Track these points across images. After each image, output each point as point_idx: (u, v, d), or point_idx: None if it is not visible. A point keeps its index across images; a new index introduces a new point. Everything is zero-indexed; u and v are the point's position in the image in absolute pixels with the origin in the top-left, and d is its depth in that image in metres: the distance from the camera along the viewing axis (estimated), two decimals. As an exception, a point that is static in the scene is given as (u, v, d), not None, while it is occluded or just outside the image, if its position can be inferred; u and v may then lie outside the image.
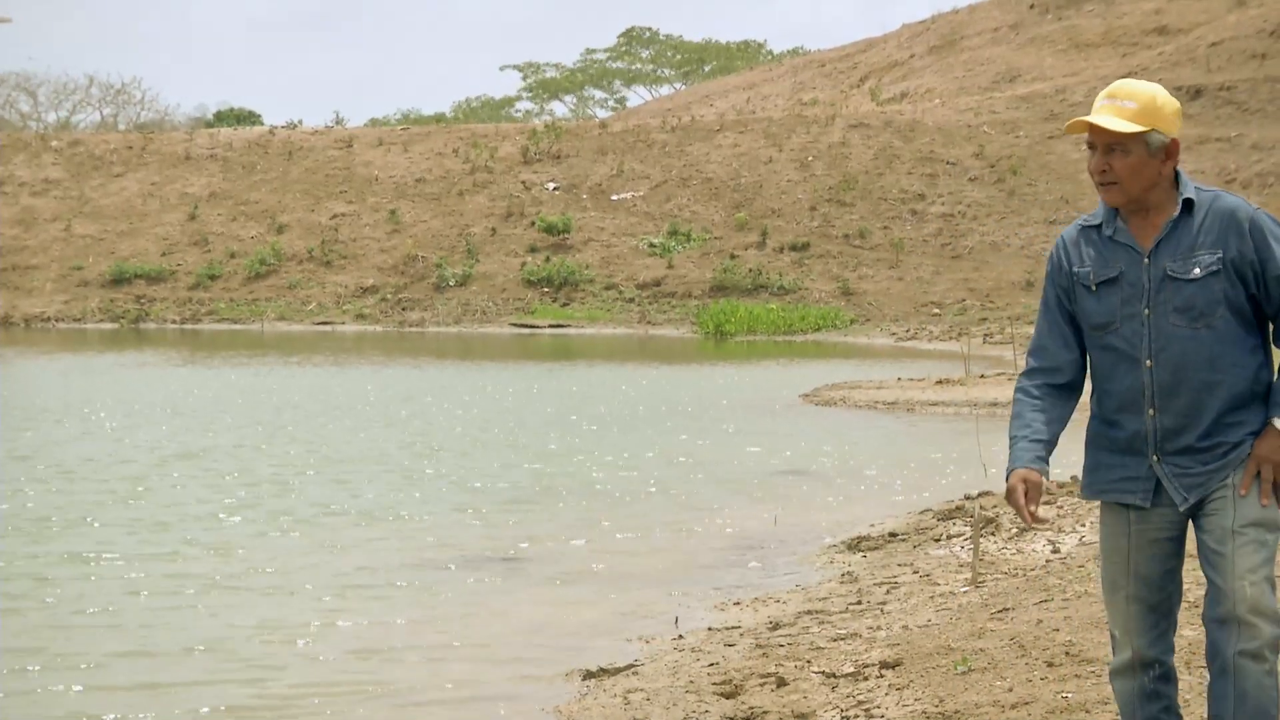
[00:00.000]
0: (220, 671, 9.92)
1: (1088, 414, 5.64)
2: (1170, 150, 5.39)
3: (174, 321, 60.93)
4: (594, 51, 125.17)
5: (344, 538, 14.76)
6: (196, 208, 68.78)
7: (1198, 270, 5.29)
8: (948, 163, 66.20)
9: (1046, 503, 15.50)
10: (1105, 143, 5.39)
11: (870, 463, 20.49)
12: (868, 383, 32.29)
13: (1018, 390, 5.67)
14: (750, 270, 59.75)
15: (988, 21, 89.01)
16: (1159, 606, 5.49)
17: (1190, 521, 5.45)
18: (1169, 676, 5.55)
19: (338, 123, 79.95)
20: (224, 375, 35.75)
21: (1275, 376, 5.42)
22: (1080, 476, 5.66)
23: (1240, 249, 5.29)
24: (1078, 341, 5.57)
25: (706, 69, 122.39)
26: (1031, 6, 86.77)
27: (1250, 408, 5.36)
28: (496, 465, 20.17)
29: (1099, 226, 5.53)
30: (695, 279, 60.15)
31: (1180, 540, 5.48)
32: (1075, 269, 5.51)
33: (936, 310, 56.21)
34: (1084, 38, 79.75)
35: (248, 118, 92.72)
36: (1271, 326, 5.44)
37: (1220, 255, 5.28)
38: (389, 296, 61.76)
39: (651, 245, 62.79)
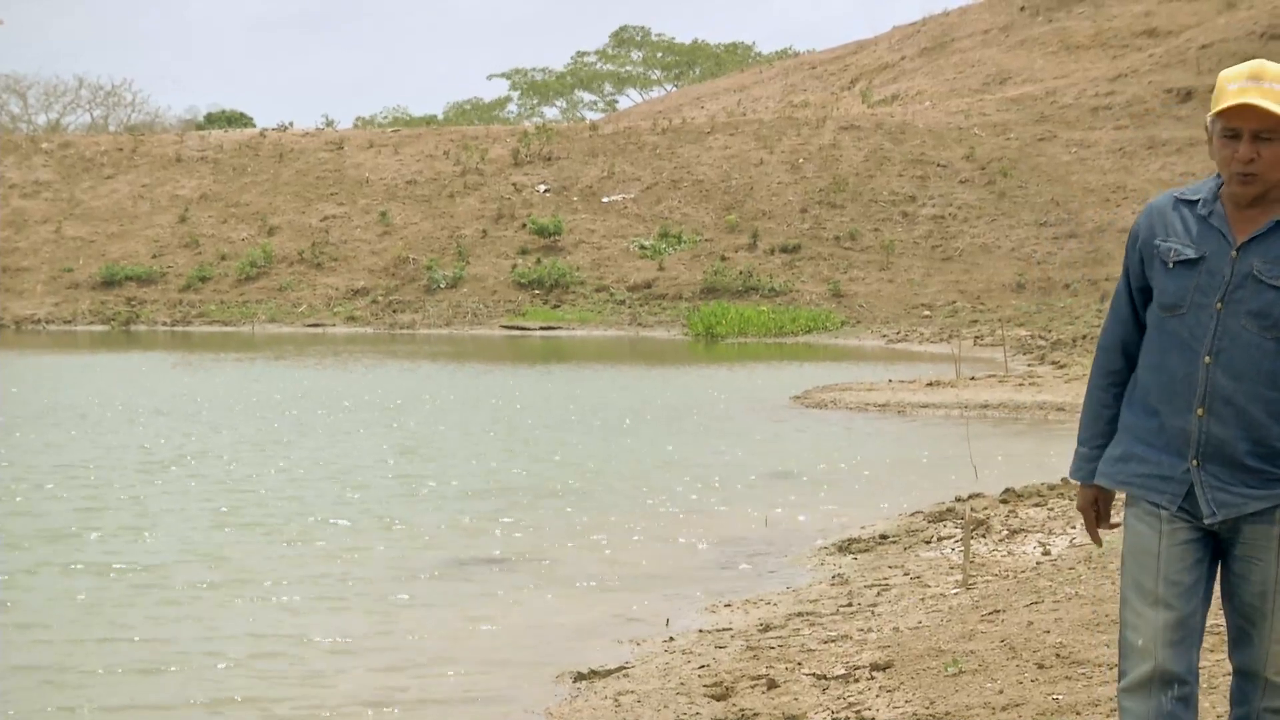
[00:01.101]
0: (208, 677, 9.91)
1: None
2: None
3: (165, 324, 60.86)
4: (585, 54, 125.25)
5: (333, 541, 14.75)
6: (187, 210, 68.71)
7: None
8: (938, 165, 66.20)
9: (1037, 504, 15.53)
10: (1255, 129, 4.91)
11: (861, 465, 20.50)
12: (859, 385, 32.29)
13: (1093, 383, 5.32)
14: (741, 272, 59.74)
15: (978, 24, 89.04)
16: (1189, 619, 5.01)
17: (1217, 542, 5.06)
18: (1189, 701, 5.02)
19: (328, 125, 79.96)
20: (216, 375, 35.71)
21: None
22: (1098, 463, 5.25)
23: None
24: (1138, 322, 5.22)
25: (696, 71, 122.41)
26: (1022, 9, 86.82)
27: None
28: (486, 467, 20.16)
29: (1196, 203, 5.11)
30: (686, 281, 60.14)
31: (1210, 548, 5.06)
32: (1159, 241, 5.11)
33: (927, 312, 56.21)
34: (1074, 40, 79.79)
35: (238, 120, 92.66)
36: None
37: None
38: (380, 298, 61.73)
39: (642, 247, 62.79)
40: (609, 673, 9.65)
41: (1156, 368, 5.07)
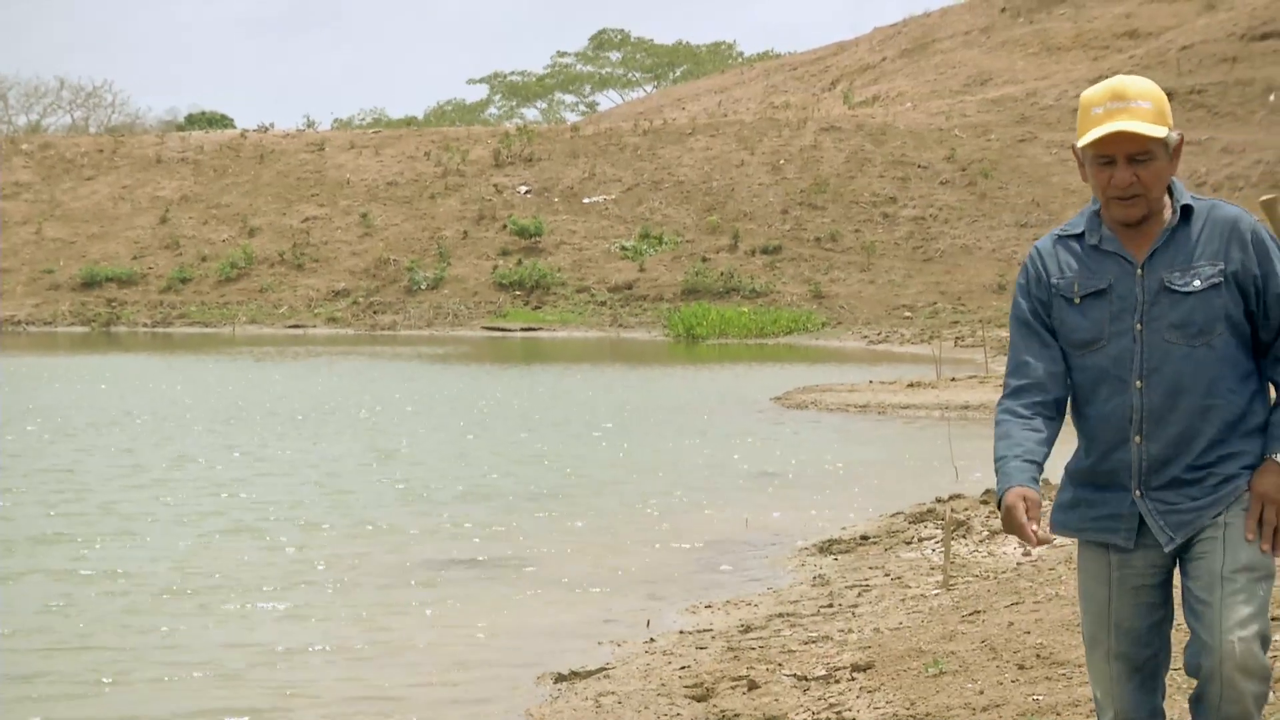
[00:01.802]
0: (191, 677, 9.89)
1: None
2: (1177, 150, 4.86)
3: (145, 325, 60.78)
4: (564, 55, 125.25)
5: (313, 544, 14.73)
6: (168, 211, 68.62)
7: (1198, 282, 4.75)
8: (919, 166, 66.29)
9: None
10: (1130, 152, 4.74)
11: (842, 466, 20.51)
12: (839, 386, 32.31)
13: (1002, 411, 5.00)
14: (722, 273, 59.77)
15: (959, 25, 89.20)
16: (1144, 666, 4.90)
17: (1176, 564, 4.88)
18: None
19: (309, 126, 79.89)
20: (201, 374, 35.66)
21: (1273, 407, 4.88)
22: (1051, 510, 5.04)
23: (1243, 261, 4.77)
24: (1062, 355, 4.94)
25: (677, 72, 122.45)
26: (1003, 10, 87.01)
27: (1246, 438, 4.80)
28: (467, 470, 20.14)
29: (1080, 235, 4.92)
30: (667, 282, 60.17)
31: (1167, 588, 4.90)
32: (1054, 280, 4.90)
33: (908, 313, 56.28)
34: (1055, 41, 79.95)
35: (219, 121, 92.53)
36: (1265, 355, 4.89)
37: (1221, 267, 4.75)
38: (360, 300, 61.70)
39: (623, 248, 62.81)
40: (590, 674, 9.65)
41: (1087, 405, 4.90)
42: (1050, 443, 4.90)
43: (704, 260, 61.09)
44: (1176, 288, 4.75)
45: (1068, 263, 4.90)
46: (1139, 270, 4.80)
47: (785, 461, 20.97)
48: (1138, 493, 4.79)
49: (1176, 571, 4.89)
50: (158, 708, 9.24)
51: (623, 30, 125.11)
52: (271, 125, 79.05)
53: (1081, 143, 4.79)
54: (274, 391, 31.80)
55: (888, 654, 9.04)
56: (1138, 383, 4.77)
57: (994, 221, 62.12)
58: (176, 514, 16.29)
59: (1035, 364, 4.93)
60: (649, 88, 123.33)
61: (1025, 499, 4.75)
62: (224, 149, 74.44)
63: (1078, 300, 4.86)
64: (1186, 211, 4.83)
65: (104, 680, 9.79)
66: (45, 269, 64.73)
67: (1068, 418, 4.97)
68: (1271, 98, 63.46)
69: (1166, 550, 4.78)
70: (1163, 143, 4.75)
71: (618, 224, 65.08)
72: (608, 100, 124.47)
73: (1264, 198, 8.76)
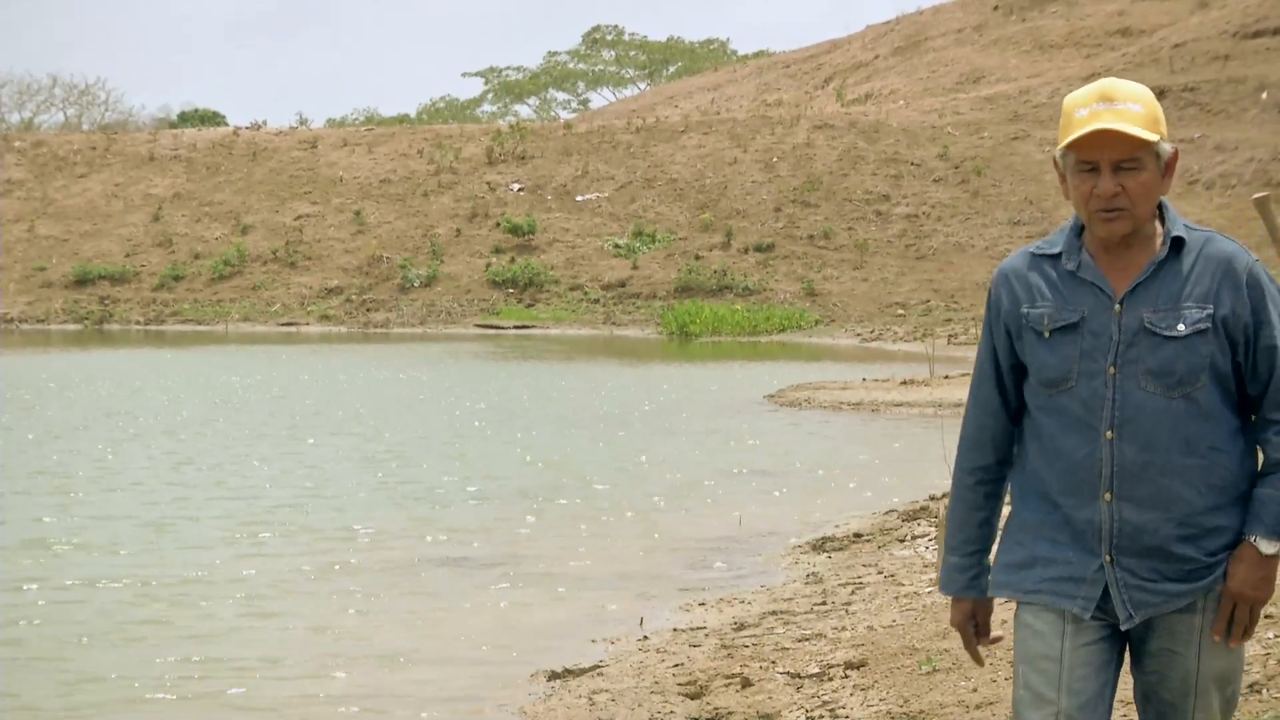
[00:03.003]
0: (181, 675, 9.89)
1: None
2: (1171, 164, 4.29)
3: (138, 322, 60.75)
4: (557, 53, 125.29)
5: (306, 540, 14.73)
6: (160, 208, 68.58)
7: (1182, 326, 4.18)
8: (912, 163, 66.31)
9: (1008, 503, 15.53)
10: (1116, 158, 4.19)
11: (835, 463, 20.51)
12: (833, 383, 32.32)
13: (958, 482, 4.54)
14: (715, 271, 59.77)
15: (952, 23, 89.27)
16: None
17: (1127, 641, 4.36)
18: None
19: (302, 123, 79.83)
20: (192, 367, 35.63)
21: (1260, 476, 4.28)
22: (972, 574, 4.50)
23: (1235, 306, 4.20)
24: (1014, 405, 4.46)
25: (671, 69, 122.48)
26: (995, 8, 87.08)
27: (1231, 510, 4.24)
28: (460, 467, 20.14)
29: (1057, 256, 4.36)
30: (660, 280, 60.16)
31: (1119, 644, 4.35)
32: (1026, 309, 4.34)
33: (901, 311, 56.29)
34: (1048, 39, 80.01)
35: (211, 118, 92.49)
36: (1252, 414, 4.32)
37: (1210, 311, 4.19)
38: (353, 297, 61.67)
39: (616, 246, 62.79)
40: (583, 671, 9.65)
41: (1051, 453, 4.32)
42: (996, 518, 4.53)
43: (697, 258, 61.08)
44: (1158, 330, 4.20)
45: (1040, 289, 4.35)
46: (1117, 305, 4.24)
47: (778, 459, 20.97)
48: (1108, 558, 4.23)
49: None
50: (153, 709, 9.24)
51: (616, 27, 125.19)
52: (264, 123, 79.03)
53: (1062, 145, 4.27)
54: (265, 388, 31.79)
55: (881, 651, 9.05)
56: (1109, 433, 4.21)
57: (987, 219, 62.13)
58: (176, 511, 16.29)
59: (982, 424, 4.50)
60: (642, 85, 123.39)
61: (974, 614, 4.47)
62: (216, 147, 74.39)
63: (1047, 334, 4.30)
64: (1178, 244, 4.27)
65: (89, 682, 9.78)
66: (38, 266, 64.68)
67: (1038, 461, 4.36)
68: (1264, 95, 63.52)
69: (1123, 628, 4.26)
70: (1153, 152, 4.21)
71: (611, 222, 65.07)
72: (601, 98, 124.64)
73: (1256, 195, 8.78)
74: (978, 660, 4.55)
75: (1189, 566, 4.20)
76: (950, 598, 4.52)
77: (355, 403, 28.88)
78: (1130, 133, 4.14)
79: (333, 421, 25.60)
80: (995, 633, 4.55)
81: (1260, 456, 4.27)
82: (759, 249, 61.58)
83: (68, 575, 12.95)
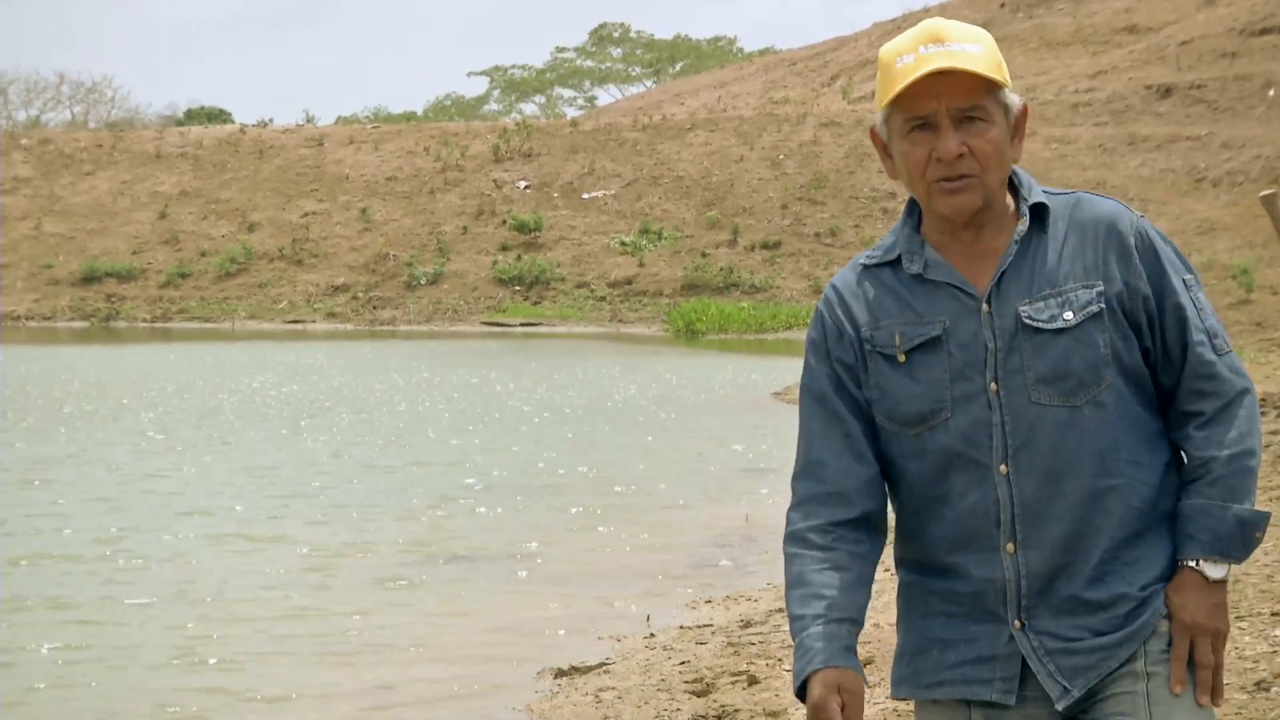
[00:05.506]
0: (184, 674, 9.90)
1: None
2: (1020, 121, 3.43)
3: (145, 320, 60.82)
4: (564, 50, 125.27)
5: (311, 537, 14.73)
6: (167, 206, 68.63)
7: (1070, 314, 3.29)
8: (919, 161, 66.23)
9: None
10: (957, 107, 3.28)
11: (842, 461, 20.46)
12: (839, 381, 32.23)
13: (790, 537, 3.58)
14: (721, 269, 59.76)
15: (957, 20, 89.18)
16: None
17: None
18: None
19: (308, 121, 79.87)
20: (193, 362, 35.66)
21: (1184, 486, 3.38)
22: (844, 640, 3.34)
23: (1127, 278, 3.32)
24: (872, 449, 3.44)
25: (677, 67, 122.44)
26: (1002, 5, 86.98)
27: (1157, 535, 3.34)
28: (467, 464, 20.13)
29: (894, 263, 3.45)
30: (666, 277, 60.15)
31: None
32: (866, 332, 3.43)
33: (907, 308, 56.24)
34: (1054, 36, 79.93)
35: (218, 116, 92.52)
36: (1169, 409, 3.41)
37: (1100, 289, 3.30)
38: (360, 295, 61.69)
39: (623, 244, 62.79)
40: (590, 669, 9.65)
41: (930, 503, 3.39)
42: (866, 583, 3.42)
43: (703, 255, 61.07)
44: (1041, 324, 3.29)
45: (881, 304, 3.42)
46: (984, 305, 3.33)
47: (786, 457, 20.88)
48: (1018, 624, 3.31)
49: None
50: (153, 706, 9.24)
51: (623, 25, 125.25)
52: (271, 120, 79.08)
53: (884, 104, 3.34)
54: (274, 384, 31.80)
55: (887, 649, 9.04)
56: (1002, 467, 3.30)
57: (993, 217, 62.05)
58: (173, 510, 16.29)
59: (831, 464, 3.45)
60: (648, 83, 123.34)
61: (841, 690, 3.27)
62: (223, 144, 74.44)
63: (902, 358, 3.37)
64: (1040, 212, 3.41)
65: (90, 678, 9.79)
66: (45, 264, 64.75)
67: (912, 520, 3.46)
68: (1271, 93, 63.40)
69: (1059, 707, 3.30)
70: (1000, 102, 3.33)
71: (617, 219, 65.07)
72: (607, 95, 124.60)
73: (1264, 193, 8.79)
74: None
75: (1123, 609, 3.29)
76: (809, 677, 3.31)
77: (359, 398, 28.88)
78: (973, 69, 3.25)
79: (337, 418, 25.60)
80: None
81: (1185, 459, 3.40)
82: (765, 246, 61.55)
83: (70, 571, 12.98)
